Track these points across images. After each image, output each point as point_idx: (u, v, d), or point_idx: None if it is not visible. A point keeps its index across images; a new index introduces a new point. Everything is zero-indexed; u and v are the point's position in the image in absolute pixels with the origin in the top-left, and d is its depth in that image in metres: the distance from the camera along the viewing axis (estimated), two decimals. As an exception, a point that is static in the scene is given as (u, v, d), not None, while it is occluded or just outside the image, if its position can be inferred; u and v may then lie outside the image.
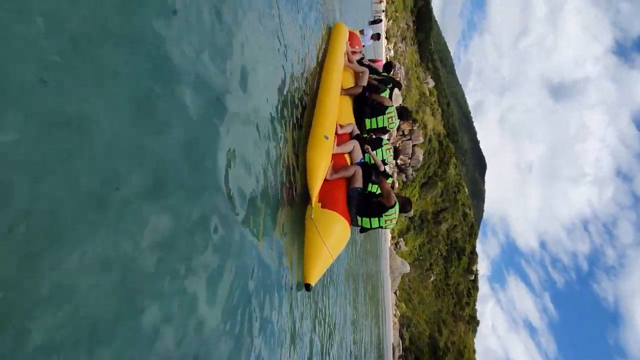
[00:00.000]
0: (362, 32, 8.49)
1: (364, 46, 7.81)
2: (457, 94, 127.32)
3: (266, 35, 2.97)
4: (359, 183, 3.98)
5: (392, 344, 45.77)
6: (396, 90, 5.98)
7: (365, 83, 5.43)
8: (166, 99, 1.58)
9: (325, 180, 3.73)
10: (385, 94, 5.49)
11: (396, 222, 4.32)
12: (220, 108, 2.04)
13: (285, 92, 3.44)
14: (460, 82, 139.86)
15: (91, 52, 1.15)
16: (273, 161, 2.95)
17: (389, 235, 55.46)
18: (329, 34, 6.16)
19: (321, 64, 5.16)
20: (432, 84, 76.47)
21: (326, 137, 3.71)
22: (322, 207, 3.54)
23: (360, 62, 6.29)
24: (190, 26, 1.79)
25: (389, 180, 4.38)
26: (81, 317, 1.07)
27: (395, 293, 55.46)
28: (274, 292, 2.79)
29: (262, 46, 2.83)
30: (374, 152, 4.63)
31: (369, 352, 15.49)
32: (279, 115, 3.19)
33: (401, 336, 53.24)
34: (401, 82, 60.30)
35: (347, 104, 5.08)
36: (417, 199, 70.22)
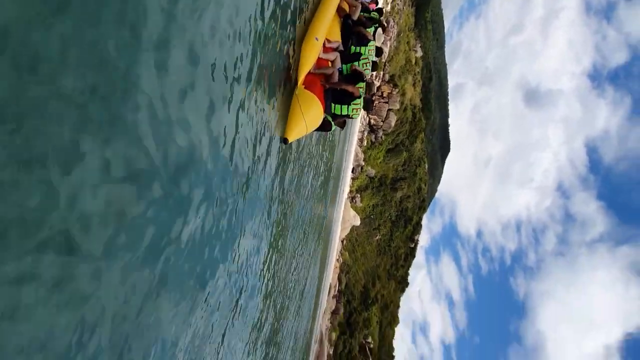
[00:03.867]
0: None
1: None
2: (440, 72, 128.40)
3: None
4: (335, 80, 4.98)
5: (330, 283, 49.75)
6: (380, 30, 6.56)
7: (356, 17, 5.95)
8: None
9: (310, 72, 4.66)
10: (371, 30, 6.07)
11: (359, 114, 5.36)
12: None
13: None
14: (447, 61, 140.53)
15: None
16: (275, 49, 3.84)
17: (347, 188, 57.96)
18: None
19: None
20: (420, 53, 76.65)
21: (316, 39, 4.58)
22: (305, 88, 4.47)
23: None
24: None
25: (361, 84, 5.20)
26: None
27: (342, 241, 59.18)
28: (263, 140, 3.91)
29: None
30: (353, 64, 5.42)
31: (311, 283, 17.33)
32: (282, 17, 4.00)
33: (339, 280, 57.72)
34: (392, 42, 60.03)
35: (337, 26, 5.79)
36: (380, 162, 72.89)
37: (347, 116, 5.12)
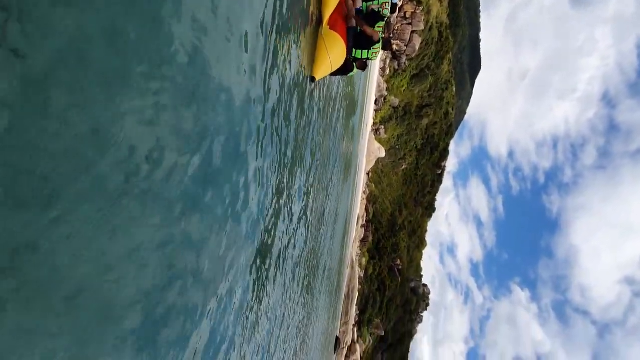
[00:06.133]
0: None
1: None
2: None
3: None
4: (354, 24, 5.20)
5: (358, 214, 52.29)
6: None
7: None
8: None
9: (334, 12, 4.80)
10: None
11: (378, 56, 5.62)
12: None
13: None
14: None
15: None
16: None
17: (371, 121, 57.35)
18: None
19: None
20: (447, -40, 68.30)
21: None
22: (330, 29, 4.71)
23: None
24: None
25: (381, 24, 5.34)
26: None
27: (368, 174, 60.45)
28: (293, 79, 4.23)
29: None
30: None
31: (340, 216, 18.51)
32: None
33: (367, 210, 60.30)
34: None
35: None
36: (404, 90, 70.22)
37: (367, 59, 5.51)
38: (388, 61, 61.07)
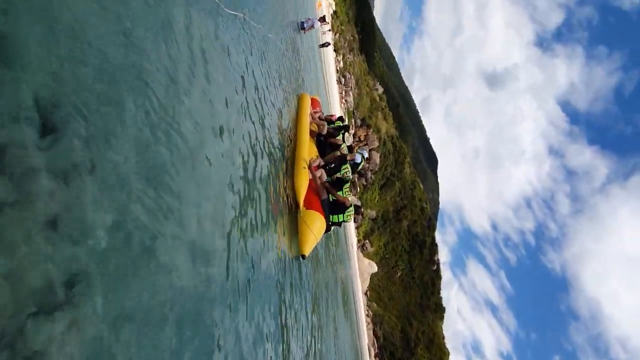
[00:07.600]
0: (309, 20, 12.82)
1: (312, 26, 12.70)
2: (404, 95, 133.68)
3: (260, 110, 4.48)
4: (326, 196, 6.02)
5: (368, 344, 47.73)
6: (347, 133, 7.97)
7: (325, 132, 7.44)
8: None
9: (310, 189, 5.55)
10: (340, 137, 7.47)
11: (352, 218, 6.46)
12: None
13: (275, 143, 5.09)
14: (407, 83, 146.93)
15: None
16: (273, 185, 4.54)
17: (355, 240, 57.60)
18: (298, 102, 7.98)
19: (295, 122, 7.06)
20: (381, 89, 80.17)
21: (304, 167, 5.59)
22: (306, 209, 5.36)
23: (319, 118, 8.18)
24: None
25: (347, 185, 6.22)
26: None
27: (366, 294, 57.68)
28: (283, 263, 4.38)
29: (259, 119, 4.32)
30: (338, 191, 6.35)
31: (349, 355, 16.56)
32: (275, 156, 4.93)
33: (375, 335, 55.48)
34: (354, 91, 62.97)
35: (313, 145, 7.08)
36: (377, 201, 73.28)
37: (343, 221, 6.30)
38: (356, 180, 65.01)
